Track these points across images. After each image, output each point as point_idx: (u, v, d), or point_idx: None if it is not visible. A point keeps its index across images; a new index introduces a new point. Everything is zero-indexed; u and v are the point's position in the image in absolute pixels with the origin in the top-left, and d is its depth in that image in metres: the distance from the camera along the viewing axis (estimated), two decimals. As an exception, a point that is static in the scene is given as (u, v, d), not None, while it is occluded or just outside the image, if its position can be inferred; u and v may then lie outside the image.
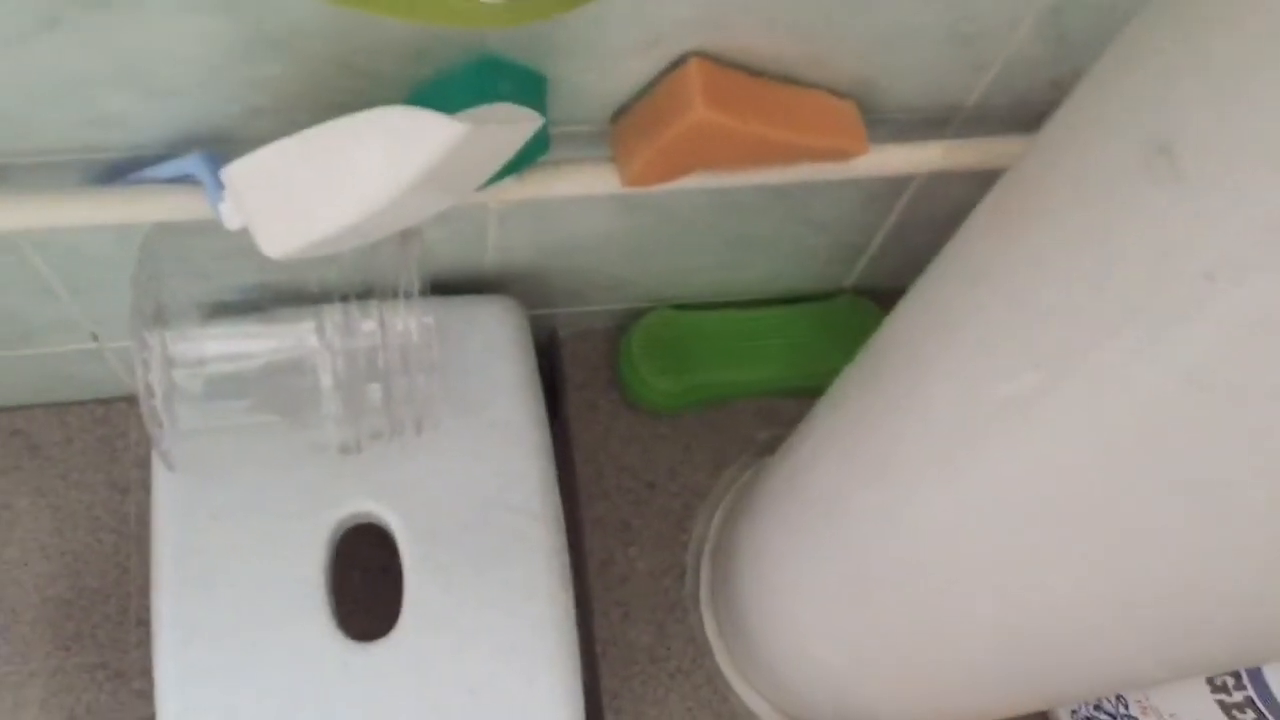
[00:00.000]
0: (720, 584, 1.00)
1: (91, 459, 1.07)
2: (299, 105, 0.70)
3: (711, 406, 1.07)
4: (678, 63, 0.72)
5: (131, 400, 1.08)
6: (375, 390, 0.80)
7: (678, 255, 0.97)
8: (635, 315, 1.07)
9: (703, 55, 0.71)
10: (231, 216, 0.69)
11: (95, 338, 0.96)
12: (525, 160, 0.72)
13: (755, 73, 0.73)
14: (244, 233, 0.76)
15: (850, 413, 0.69)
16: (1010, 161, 0.79)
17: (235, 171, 0.65)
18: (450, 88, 0.70)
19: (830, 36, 0.71)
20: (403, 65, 0.68)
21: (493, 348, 0.92)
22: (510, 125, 0.63)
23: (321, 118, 0.71)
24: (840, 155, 0.76)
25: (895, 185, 0.90)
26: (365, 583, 0.97)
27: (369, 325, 0.80)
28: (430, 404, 0.81)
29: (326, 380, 0.78)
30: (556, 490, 0.90)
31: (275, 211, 0.65)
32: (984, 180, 0.91)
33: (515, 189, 0.75)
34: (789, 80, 0.75)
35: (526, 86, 0.70)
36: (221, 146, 0.73)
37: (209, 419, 0.81)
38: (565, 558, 0.88)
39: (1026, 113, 0.81)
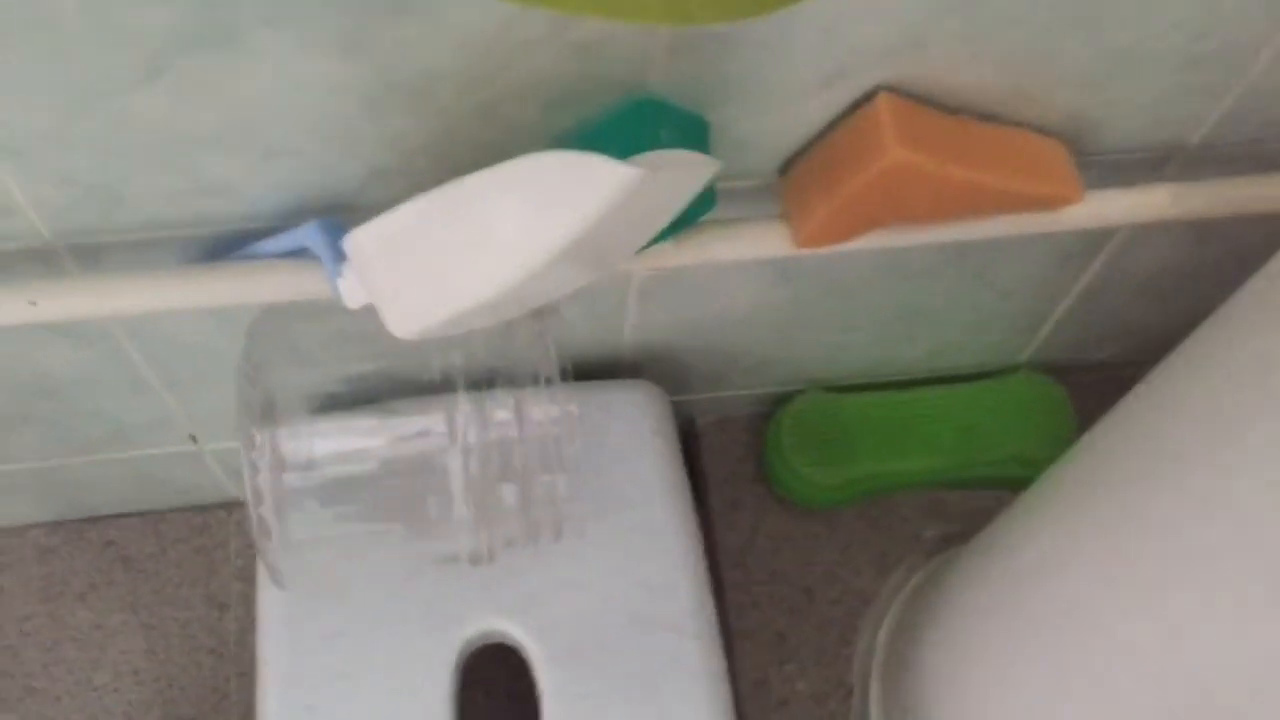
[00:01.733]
0: (895, 705, 0.87)
1: (188, 572, 0.97)
2: (430, 165, 0.61)
3: (871, 501, 0.95)
4: (861, 101, 0.61)
5: (231, 507, 0.99)
6: (510, 491, 0.69)
7: (834, 329, 0.86)
8: (781, 400, 0.95)
9: (892, 90, 0.61)
10: (353, 293, 0.59)
11: (194, 439, 0.87)
12: (687, 220, 0.62)
13: (950, 110, 0.63)
14: (363, 313, 0.67)
15: (1100, 513, 0.57)
16: (1247, 207, 0.68)
17: (359, 240, 0.56)
18: (601, 136, 0.60)
19: (1045, 64, 0.60)
20: (547, 111, 0.59)
21: (634, 440, 0.81)
22: (684, 172, 0.53)
23: (454, 176, 0.62)
24: (1050, 204, 0.65)
25: (1095, 240, 0.78)
26: (495, 711, 0.86)
27: (503, 416, 0.70)
28: (572, 506, 0.71)
29: (457, 481, 0.68)
30: (712, 604, 0.78)
31: (405, 284, 0.56)
32: (1198, 232, 0.80)
33: (672, 254, 0.65)
34: (988, 118, 0.64)
35: (688, 133, 0.60)
36: (340, 215, 0.64)
37: (323, 528, 0.71)
38: (726, 684, 0.76)
39: (1259, 152, 0.70)
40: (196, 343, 0.74)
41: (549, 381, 0.73)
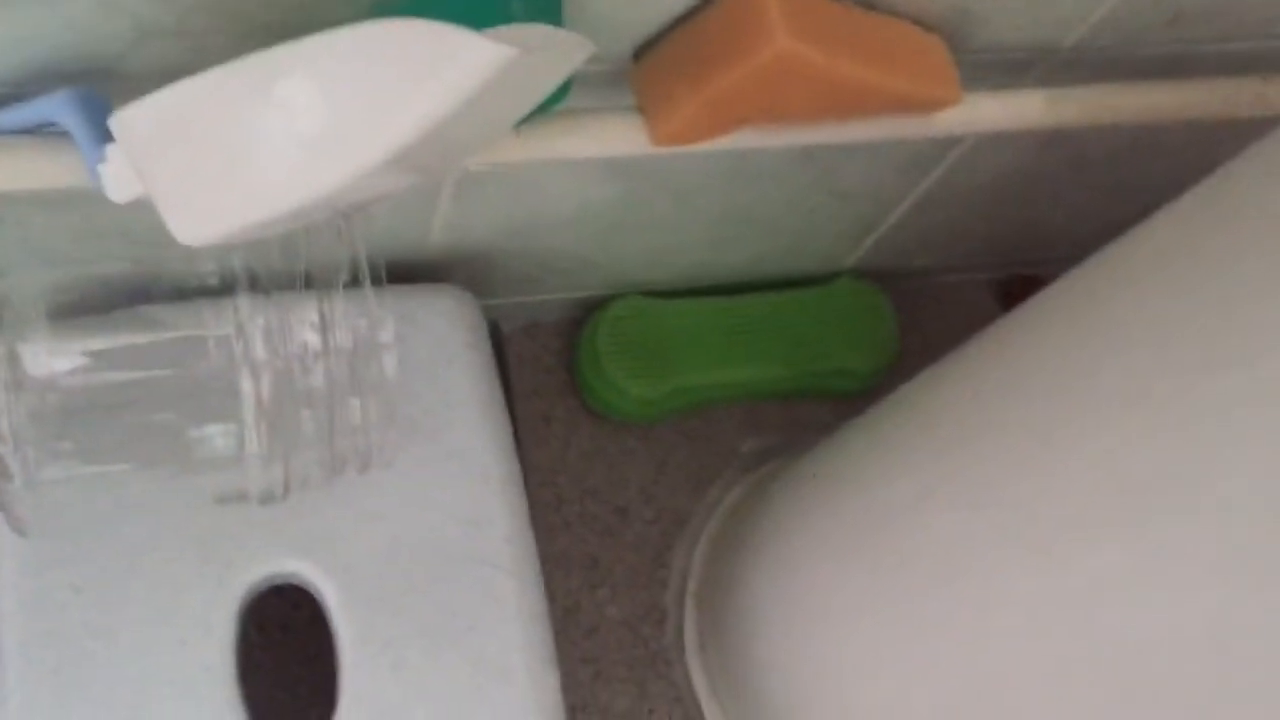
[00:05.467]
0: (713, 629, 0.82)
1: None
2: (212, 23, 0.49)
3: (687, 414, 0.89)
4: (738, -23, 0.53)
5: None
6: (311, 417, 0.59)
7: (661, 231, 0.78)
8: (596, 305, 0.88)
9: (776, -33, 0.52)
10: (121, 184, 0.47)
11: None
12: (536, 110, 0.53)
13: (830, -6, 0.55)
14: (128, 206, 0.55)
15: (986, 449, 0.52)
16: (1122, 116, 0.64)
17: (131, 118, 0.44)
18: (434, 3, 0.50)
19: (941, -54, 0.53)
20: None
21: (443, 354, 0.72)
22: (553, 55, 0.44)
23: (247, 45, 0.50)
24: (928, 106, 0.59)
25: (944, 145, 0.73)
26: (286, 664, 0.77)
27: (301, 326, 0.59)
28: (384, 433, 0.61)
29: (248, 405, 0.57)
30: (532, 536, 0.71)
31: (194, 179, 0.44)
32: (1045, 140, 0.76)
33: (513, 148, 0.55)
34: (868, 6, 0.57)
35: (540, 7, 0.51)
36: (99, 84, 0.51)
37: (73, 463, 0.58)
38: (547, 624, 0.69)
39: (1128, 59, 0.66)
40: (-98, 235, 0.60)
41: (351, 286, 0.62)
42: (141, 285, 0.63)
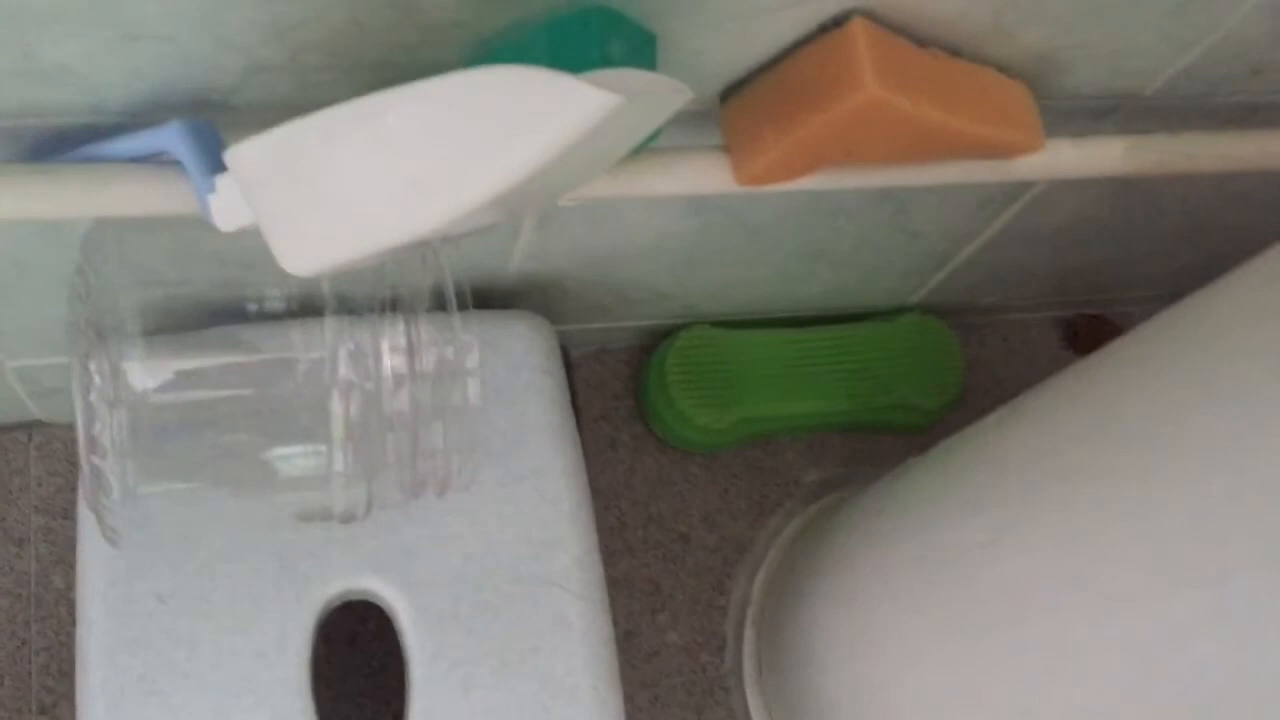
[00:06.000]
0: (772, 657, 0.83)
1: (-20, 502, 0.85)
2: (322, 62, 0.51)
3: (752, 443, 0.90)
4: (828, 24, 0.54)
5: (31, 429, 0.86)
6: (398, 438, 0.61)
7: (734, 265, 0.79)
8: (664, 333, 0.89)
9: (867, 15, 0.54)
10: (231, 213, 0.49)
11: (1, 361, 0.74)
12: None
13: (919, 41, 0.56)
14: (225, 232, 0.56)
15: (1062, 493, 0.53)
16: (1200, 165, 0.65)
17: (248, 154, 0.46)
18: (537, 44, 0.51)
19: (1031, -5, 0.54)
20: (478, 9, 0.49)
21: (520, 379, 0.73)
22: (654, 99, 0.45)
23: (352, 80, 0.52)
24: (1010, 151, 0.60)
25: (1019, 187, 0.74)
26: (352, 677, 0.78)
27: (390, 349, 0.60)
28: (464, 456, 0.63)
29: (336, 424, 0.59)
30: (600, 561, 0.72)
31: (305, 212, 0.46)
32: (1120, 186, 0.76)
33: (604, 185, 0.56)
34: (954, 52, 0.58)
35: (637, 49, 0.52)
36: (210, 114, 0.53)
37: (168, 480, 0.60)
38: (613, 648, 0.70)
39: (1207, 107, 0.66)
40: (16, 252, 0.62)
41: (435, 310, 0.64)
42: (233, 306, 0.65)
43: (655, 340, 0.90)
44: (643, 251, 0.75)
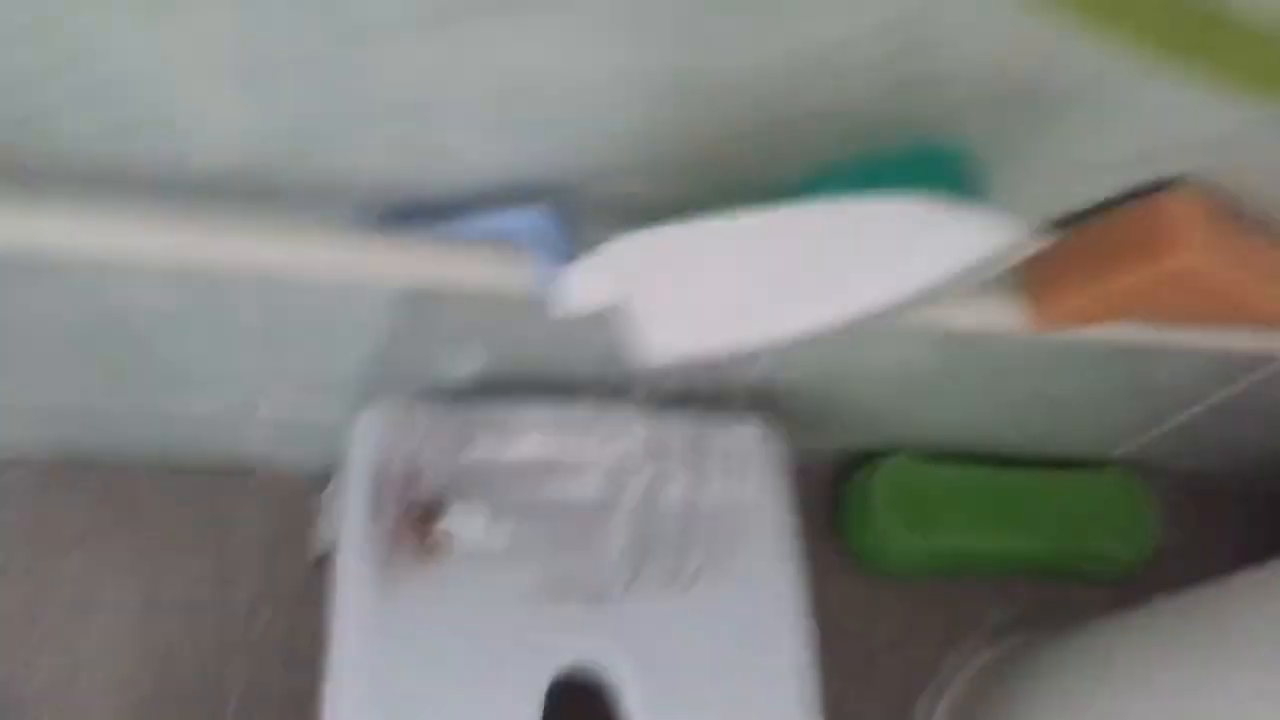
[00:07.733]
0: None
1: (197, 537, 0.88)
2: (674, 168, 0.54)
3: (942, 575, 0.91)
4: (1154, 186, 0.57)
5: (258, 473, 0.89)
6: (671, 529, 0.63)
7: (959, 402, 0.81)
8: (866, 456, 0.91)
9: (1193, 183, 0.56)
10: (587, 295, 0.52)
11: (257, 405, 0.78)
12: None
13: (1234, 212, 0.59)
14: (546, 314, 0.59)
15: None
16: None
17: (627, 247, 0.49)
18: (877, 175, 0.54)
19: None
20: (841, 141, 0.53)
21: (757, 484, 0.75)
22: (1004, 237, 0.48)
23: (691, 186, 0.55)
24: (1290, 325, 0.62)
25: (1258, 360, 0.76)
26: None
27: (679, 446, 0.63)
28: (715, 553, 0.65)
29: (624, 510, 0.61)
30: (813, 664, 0.73)
31: (675, 305, 0.49)
32: None
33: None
34: (1262, 223, 0.60)
35: (973, 189, 0.55)
36: (554, 200, 0.56)
37: (473, 535, 0.62)
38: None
39: None
40: (326, 310, 0.66)
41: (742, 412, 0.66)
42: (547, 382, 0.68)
43: (850, 463, 0.92)
44: (879, 376, 0.78)
